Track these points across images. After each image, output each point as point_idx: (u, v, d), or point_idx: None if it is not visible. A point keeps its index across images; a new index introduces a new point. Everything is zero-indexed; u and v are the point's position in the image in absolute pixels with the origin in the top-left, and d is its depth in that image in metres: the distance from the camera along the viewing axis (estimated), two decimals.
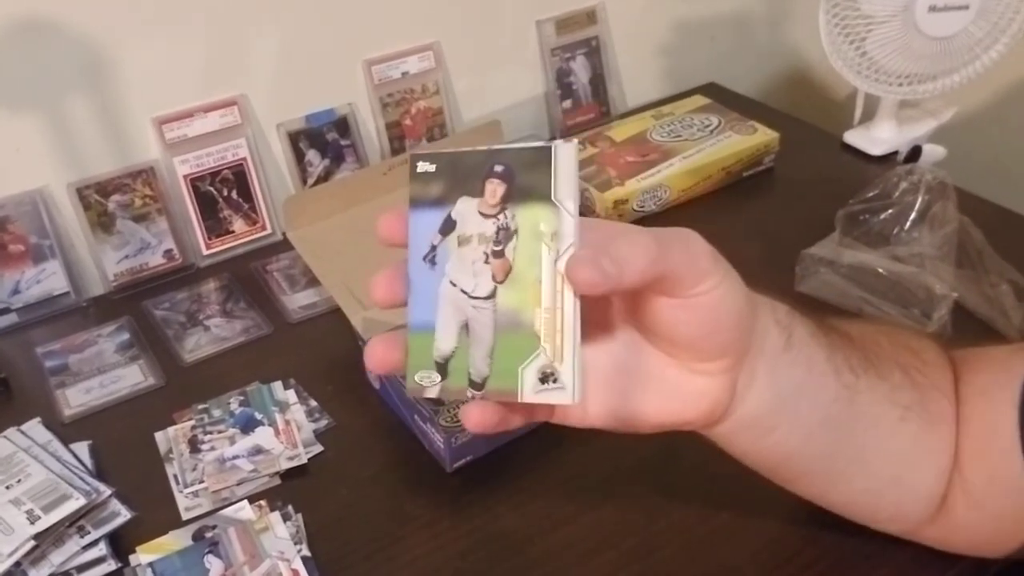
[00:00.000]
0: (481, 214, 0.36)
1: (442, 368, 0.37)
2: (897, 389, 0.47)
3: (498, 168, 0.36)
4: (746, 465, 0.48)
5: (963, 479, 0.49)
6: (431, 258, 0.36)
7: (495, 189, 0.36)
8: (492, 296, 0.36)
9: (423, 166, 0.37)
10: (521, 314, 0.35)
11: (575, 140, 0.37)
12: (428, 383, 0.37)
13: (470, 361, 0.36)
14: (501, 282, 0.36)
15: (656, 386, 0.40)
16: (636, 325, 0.40)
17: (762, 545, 0.61)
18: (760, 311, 0.42)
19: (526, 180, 0.35)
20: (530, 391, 0.35)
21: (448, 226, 0.36)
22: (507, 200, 0.35)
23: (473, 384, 0.36)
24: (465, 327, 0.36)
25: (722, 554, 0.61)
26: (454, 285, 0.36)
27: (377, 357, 0.38)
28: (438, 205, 0.36)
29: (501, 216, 0.35)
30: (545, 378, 0.35)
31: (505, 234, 0.35)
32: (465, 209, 0.36)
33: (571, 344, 0.35)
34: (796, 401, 0.44)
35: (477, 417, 0.37)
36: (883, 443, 0.47)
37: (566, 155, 0.35)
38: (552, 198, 0.35)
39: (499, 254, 0.36)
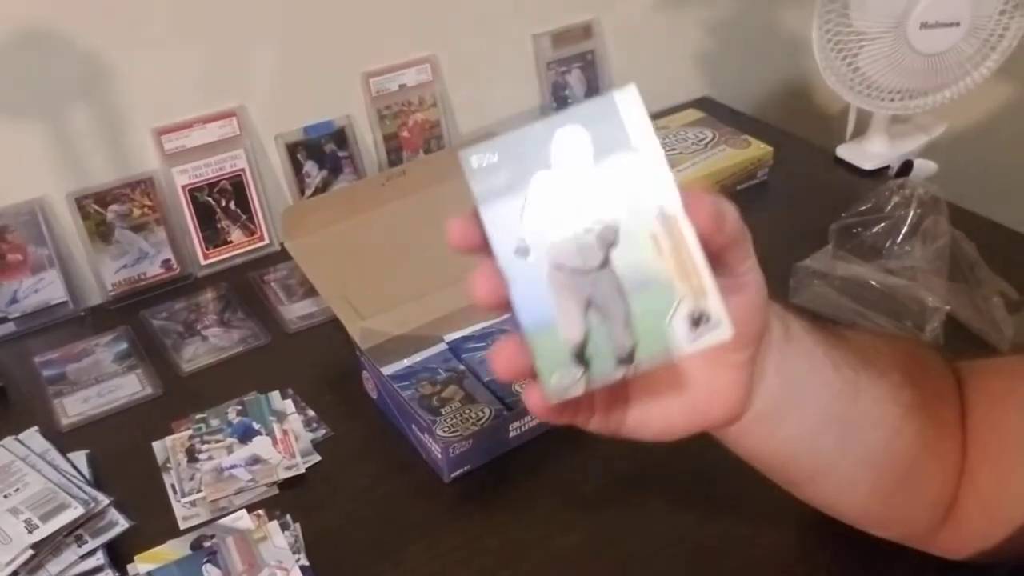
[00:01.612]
0: (563, 184, 0.33)
1: (580, 358, 0.33)
2: (898, 388, 0.47)
3: (566, 131, 0.33)
4: (755, 468, 0.48)
5: (975, 486, 0.49)
6: (523, 249, 0.33)
7: (570, 153, 0.33)
8: (607, 263, 0.33)
9: (479, 159, 0.34)
10: (646, 267, 0.33)
11: (633, 85, 0.34)
12: (570, 380, 0.34)
13: (609, 337, 0.33)
14: (612, 244, 0.33)
15: (689, 387, 0.40)
16: None
17: (763, 553, 0.62)
18: None
19: (599, 135, 0.33)
20: (686, 342, 0.33)
21: (531, 209, 0.34)
22: (587, 159, 0.33)
23: (621, 360, 0.33)
24: (589, 306, 0.33)
25: (722, 562, 0.62)
26: (560, 268, 0.33)
27: (507, 363, 0.34)
28: (511, 193, 0.33)
29: (587, 178, 0.33)
30: (696, 321, 0.33)
31: (598, 196, 0.33)
32: (543, 185, 0.34)
33: (707, 275, 0.33)
34: (802, 393, 0.44)
35: (536, 399, 0.35)
36: (889, 442, 0.47)
37: (630, 99, 0.33)
38: (632, 144, 0.33)
39: (599, 218, 0.33)
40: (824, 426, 0.45)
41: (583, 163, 0.33)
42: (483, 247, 0.34)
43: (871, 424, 0.46)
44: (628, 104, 0.33)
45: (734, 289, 0.36)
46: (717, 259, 0.35)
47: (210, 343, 0.86)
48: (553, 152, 0.33)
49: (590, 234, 0.33)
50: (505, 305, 0.34)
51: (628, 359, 0.33)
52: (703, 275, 0.33)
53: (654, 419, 0.41)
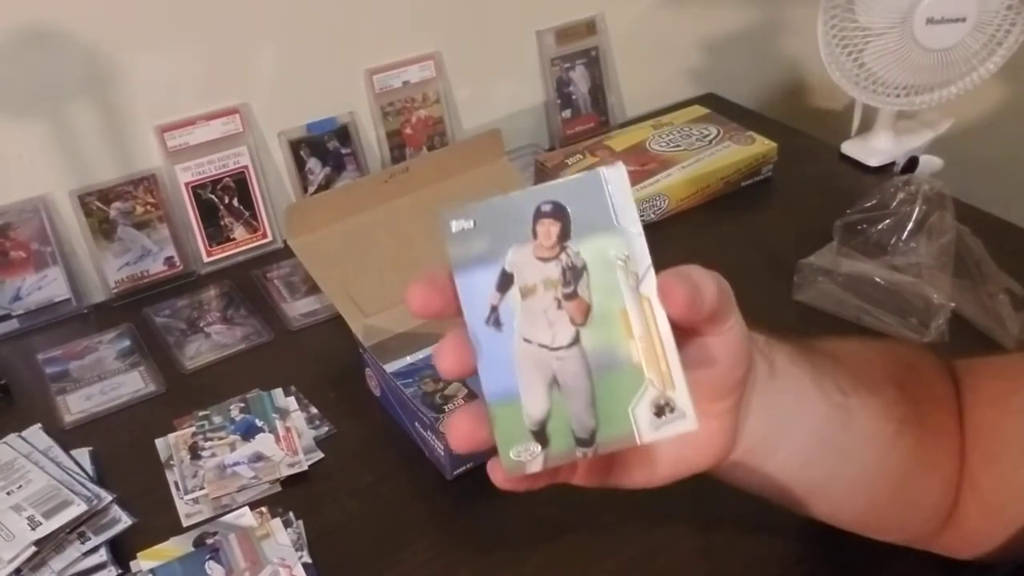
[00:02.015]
0: (539, 259, 0.33)
1: (540, 435, 0.33)
2: (891, 404, 0.47)
3: (546, 207, 0.33)
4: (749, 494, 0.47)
5: (975, 487, 0.49)
6: (494, 320, 0.33)
7: (549, 229, 0.33)
8: (576, 342, 0.33)
9: (458, 224, 0.33)
10: (615, 350, 0.33)
11: (621, 163, 0.34)
12: (528, 456, 0.33)
13: (570, 417, 0.33)
14: (582, 324, 0.33)
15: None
16: None
17: (763, 555, 0.61)
18: None
19: (580, 212, 0.33)
20: (648, 430, 0.32)
21: (505, 281, 0.33)
22: (564, 238, 0.33)
23: (581, 441, 0.33)
24: (553, 383, 0.33)
25: (723, 564, 0.61)
26: (528, 342, 0.33)
27: (463, 435, 0.34)
28: (486, 262, 0.33)
29: (563, 256, 0.33)
30: (660, 410, 0.32)
31: (573, 273, 0.33)
32: (519, 258, 0.33)
33: (677, 367, 0.32)
34: (788, 427, 0.43)
35: (524, 485, 0.34)
36: (882, 459, 0.47)
37: (617, 177, 0.33)
38: (615, 223, 0.33)
39: (572, 295, 0.33)
40: (815, 453, 0.45)
41: (561, 238, 0.33)
42: (442, 312, 0.33)
43: (863, 445, 0.46)
44: (614, 182, 0.33)
45: (713, 345, 0.36)
46: (697, 328, 0.35)
47: (213, 340, 0.86)
48: (533, 224, 0.33)
49: (562, 311, 0.33)
50: (470, 373, 0.33)
51: (588, 441, 0.33)
52: (672, 364, 0.33)
53: (637, 471, 0.41)
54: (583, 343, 0.33)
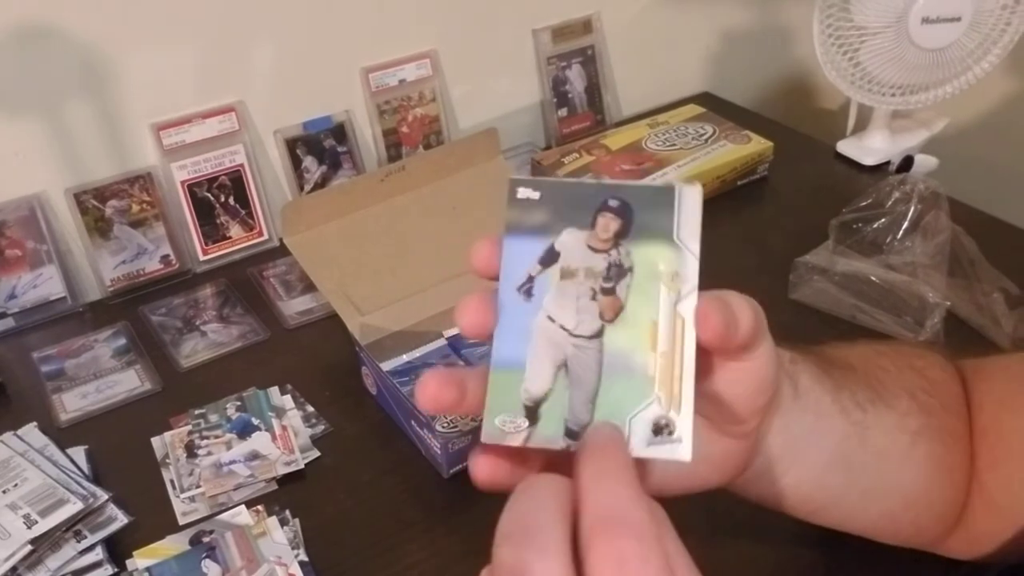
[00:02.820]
0: (590, 248, 0.33)
1: (531, 412, 0.32)
2: (905, 415, 0.47)
3: (613, 203, 0.33)
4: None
5: (982, 489, 0.49)
6: (527, 289, 0.33)
7: (608, 223, 0.33)
8: (598, 336, 0.33)
9: (524, 192, 0.34)
10: (633, 357, 0.32)
11: (699, 184, 0.34)
12: (512, 428, 0.32)
13: (568, 406, 0.32)
14: (610, 321, 0.33)
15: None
16: None
17: (758, 555, 0.61)
18: None
19: (645, 218, 0.33)
20: (640, 444, 0.32)
21: (550, 257, 0.33)
22: (621, 236, 0.33)
23: (570, 432, 0.32)
24: (562, 368, 0.33)
25: (720, 565, 0.61)
26: (552, 321, 0.33)
27: (429, 393, 0.33)
28: (539, 234, 0.33)
29: (613, 252, 0.33)
30: (659, 430, 0.32)
31: (617, 271, 0.33)
32: (571, 241, 0.33)
33: (689, 394, 0.32)
34: (805, 446, 0.43)
35: (487, 470, 0.33)
36: (896, 471, 0.47)
37: (692, 196, 0.33)
38: (675, 238, 0.33)
39: (609, 291, 0.33)
40: (830, 469, 0.45)
41: (617, 236, 0.33)
42: (497, 275, 0.33)
43: (878, 459, 0.46)
44: (688, 201, 0.33)
45: (739, 369, 0.36)
46: (727, 354, 0.35)
47: (209, 339, 0.86)
48: (595, 214, 0.33)
49: (594, 303, 0.33)
50: (486, 336, 0.33)
51: (577, 435, 0.32)
52: (686, 389, 0.32)
53: (647, 482, 0.40)
54: (604, 339, 0.33)
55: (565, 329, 0.33)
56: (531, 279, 0.33)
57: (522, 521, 0.29)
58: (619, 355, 0.32)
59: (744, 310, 0.33)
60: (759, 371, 0.36)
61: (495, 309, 0.33)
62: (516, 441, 0.32)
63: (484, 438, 0.32)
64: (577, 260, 0.33)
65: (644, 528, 0.28)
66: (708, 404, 0.37)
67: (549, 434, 0.32)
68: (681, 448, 0.32)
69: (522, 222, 0.33)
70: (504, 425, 0.32)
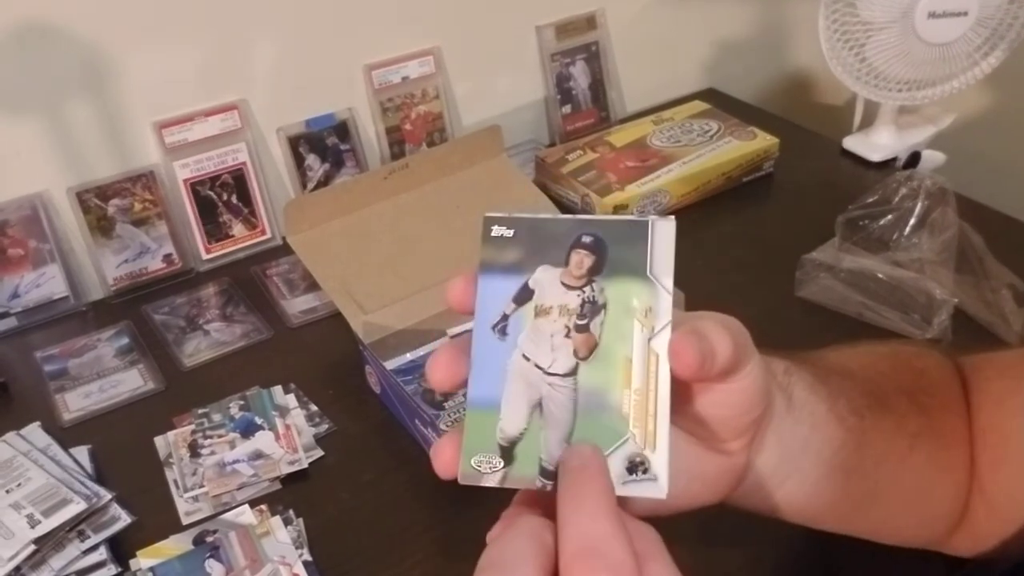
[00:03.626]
0: (564, 285, 0.33)
1: (507, 452, 0.32)
2: (904, 419, 0.46)
3: (587, 239, 0.33)
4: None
5: (982, 489, 0.48)
6: (501, 328, 0.33)
7: (582, 260, 0.33)
8: (572, 373, 0.32)
9: (498, 230, 0.34)
10: (607, 395, 0.32)
11: (673, 217, 0.33)
12: (488, 469, 0.32)
13: (542, 446, 0.32)
14: (584, 359, 0.32)
15: (680, 470, 0.37)
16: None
17: (755, 556, 0.61)
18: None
19: (618, 253, 0.33)
20: (616, 482, 0.31)
21: (524, 295, 0.33)
22: (595, 272, 0.33)
23: (545, 473, 0.32)
24: (537, 407, 0.32)
25: (723, 562, 0.61)
26: (527, 359, 0.33)
27: (443, 460, 0.33)
28: (513, 272, 0.33)
29: (587, 288, 0.33)
30: (634, 468, 0.31)
31: (591, 308, 0.33)
32: (545, 278, 0.33)
33: (664, 430, 0.32)
34: (801, 457, 0.43)
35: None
36: (895, 475, 0.46)
37: (665, 231, 0.33)
38: (648, 273, 0.33)
39: (583, 328, 0.33)
40: (827, 477, 0.44)
41: (591, 272, 0.33)
42: (468, 309, 0.34)
43: (876, 464, 0.45)
44: (661, 235, 0.33)
45: (724, 390, 0.35)
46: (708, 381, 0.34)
47: (212, 338, 0.86)
48: (569, 251, 0.33)
49: (568, 340, 0.33)
50: (459, 387, 0.33)
51: (552, 474, 0.32)
52: (660, 426, 0.32)
53: (640, 505, 0.40)
54: (579, 377, 0.33)
55: (540, 368, 0.33)
56: (505, 317, 0.33)
57: (499, 557, 0.29)
58: (594, 393, 0.32)
59: (721, 340, 0.33)
60: (745, 392, 0.36)
61: (467, 356, 0.33)
62: (492, 481, 0.32)
63: (461, 479, 0.32)
64: (551, 297, 0.33)
65: (621, 562, 0.28)
66: (696, 424, 0.37)
67: (525, 474, 0.32)
68: (656, 486, 0.31)
69: (496, 260, 0.34)
70: (480, 465, 0.32)
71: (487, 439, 0.32)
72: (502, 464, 0.32)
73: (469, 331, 0.34)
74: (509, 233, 0.34)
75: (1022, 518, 0.47)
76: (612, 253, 0.33)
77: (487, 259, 0.34)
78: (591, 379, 0.32)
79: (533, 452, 0.32)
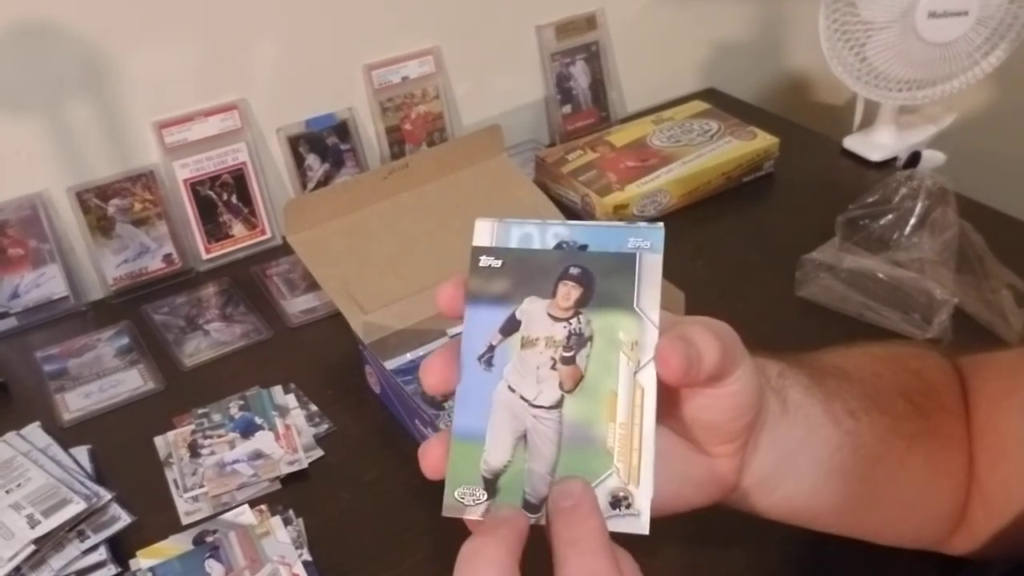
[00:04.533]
0: (551, 316, 0.33)
1: (490, 485, 0.32)
2: (901, 420, 0.46)
3: (574, 271, 0.33)
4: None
5: (980, 489, 0.48)
6: (487, 359, 0.33)
7: (569, 292, 0.33)
8: (558, 406, 0.32)
9: (486, 260, 0.34)
10: (592, 428, 0.32)
11: (660, 255, 0.33)
12: (471, 501, 0.32)
13: (526, 478, 0.32)
14: (570, 391, 0.32)
15: (672, 473, 0.38)
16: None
17: (753, 559, 0.61)
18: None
19: (606, 285, 0.33)
20: None
21: (511, 326, 0.33)
22: (582, 304, 0.33)
23: (528, 506, 0.32)
24: (522, 439, 0.32)
25: (724, 560, 0.61)
26: (512, 391, 0.33)
27: (432, 460, 0.33)
28: (500, 303, 0.33)
29: (574, 320, 0.33)
30: (617, 503, 0.31)
31: (578, 340, 0.33)
32: (532, 309, 0.33)
33: (648, 466, 0.32)
34: (797, 460, 0.43)
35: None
36: (893, 477, 0.46)
37: (652, 264, 0.33)
38: (635, 306, 0.33)
39: (569, 360, 0.33)
40: (824, 479, 0.44)
41: (578, 304, 0.33)
42: (458, 315, 0.34)
43: (874, 466, 0.45)
44: (648, 268, 0.33)
45: (714, 395, 0.36)
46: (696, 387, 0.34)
47: (212, 338, 0.86)
48: (556, 282, 0.33)
49: (554, 372, 0.33)
50: (451, 391, 0.33)
51: (536, 508, 0.32)
52: (644, 461, 0.32)
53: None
54: (564, 410, 0.32)
55: (525, 400, 0.33)
56: (492, 348, 0.33)
57: (470, 560, 0.30)
58: (578, 426, 0.32)
59: (709, 346, 0.33)
60: (735, 396, 0.36)
61: (457, 366, 0.33)
62: (475, 514, 0.32)
63: (444, 511, 0.32)
64: (538, 329, 0.33)
65: None
66: (686, 428, 0.37)
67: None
68: (638, 522, 0.31)
69: (484, 290, 0.34)
70: (463, 497, 0.32)
71: (471, 471, 0.32)
72: (485, 496, 0.32)
73: (459, 337, 0.34)
74: (497, 264, 0.34)
75: (1020, 518, 0.47)
76: (599, 285, 0.33)
77: (474, 289, 0.34)
78: (576, 412, 0.32)
79: (517, 485, 0.32)
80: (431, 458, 0.33)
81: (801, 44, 1.36)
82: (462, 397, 0.33)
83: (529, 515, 0.32)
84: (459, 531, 0.66)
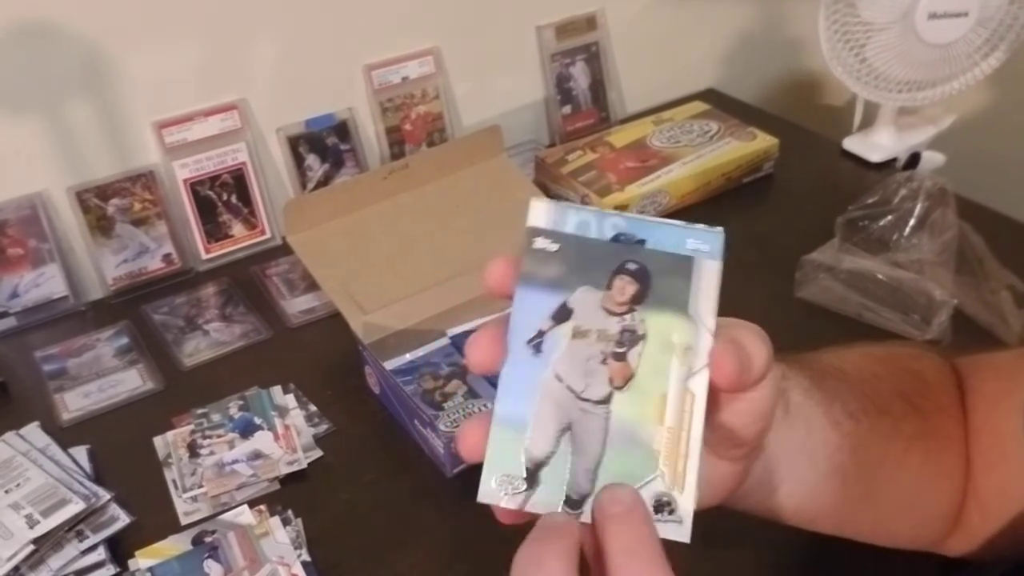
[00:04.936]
0: (605, 309, 0.32)
1: (532, 475, 0.31)
2: (900, 421, 0.46)
3: (631, 266, 0.32)
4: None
5: (977, 490, 0.48)
6: (536, 344, 0.32)
7: (625, 287, 0.32)
8: (606, 402, 0.32)
9: (542, 242, 0.33)
10: (640, 429, 0.31)
11: (720, 261, 0.33)
12: (510, 490, 0.31)
13: (569, 472, 0.31)
14: (619, 388, 0.32)
15: None
16: None
17: (761, 554, 0.61)
18: None
19: (662, 285, 0.32)
20: None
21: (563, 314, 0.32)
22: (636, 301, 0.32)
23: (570, 501, 0.31)
24: (567, 431, 0.31)
25: (724, 560, 0.61)
26: (560, 380, 0.32)
27: (471, 442, 0.32)
28: (554, 288, 0.32)
29: (628, 317, 0.32)
30: (660, 507, 0.31)
31: (631, 337, 0.32)
32: (586, 300, 0.32)
33: (694, 472, 0.31)
34: (796, 462, 0.43)
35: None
36: (890, 478, 0.46)
37: (710, 270, 0.32)
38: (690, 311, 0.32)
39: (621, 357, 0.32)
40: (823, 481, 0.44)
41: (633, 301, 0.32)
42: (510, 295, 0.33)
43: (872, 467, 0.45)
44: (706, 274, 0.33)
45: (739, 399, 0.35)
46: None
47: (211, 338, 0.86)
48: (612, 275, 0.32)
49: (604, 367, 0.32)
50: (495, 371, 0.32)
51: (578, 503, 0.31)
52: (691, 468, 0.31)
53: None
54: (613, 407, 0.32)
55: (573, 391, 0.32)
56: (541, 334, 0.32)
57: (532, 571, 0.29)
58: (626, 425, 0.32)
59: (759, 350, 0.33)
60: (764, 400, 0.36)
61: (504, 345, 0.32)
62: (513, 504, 0.31)
63: (481, 497, 0.31)
64: (590, 321, 0.32)
65: None
66: (711, 432, 0.37)
67: (548, 500, 0.31)
68: (681, 529, 0.31)
69: (537, 273, 0.33)
70: (502, 486, 0.31)
71: (513, 459, 0.31)
72: (525, 487, 0.31)
73: (507, 313, 0.33)
74: (553, 248, 0.33)
75: (1016, 519, 0.47)
76: (656, 285, 0.32)
77: (528, 271, 0.33)
78: (624, 410, 0.32)
79: (559, 478, 0.31)
80: (470, 440, 0.32)
81: (801, 45, 1.36)
82: (506, 381, 0.32)
83: (570, 511, 0.31)
84: (457, 532, 0.66)
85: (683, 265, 0.33)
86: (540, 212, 0.33)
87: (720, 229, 0.33)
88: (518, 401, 0.32)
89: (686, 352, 0.32)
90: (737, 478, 0.40)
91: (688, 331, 0.32)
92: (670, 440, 0.31)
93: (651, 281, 0.32)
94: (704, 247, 0.33)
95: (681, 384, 0.32)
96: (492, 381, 0.73)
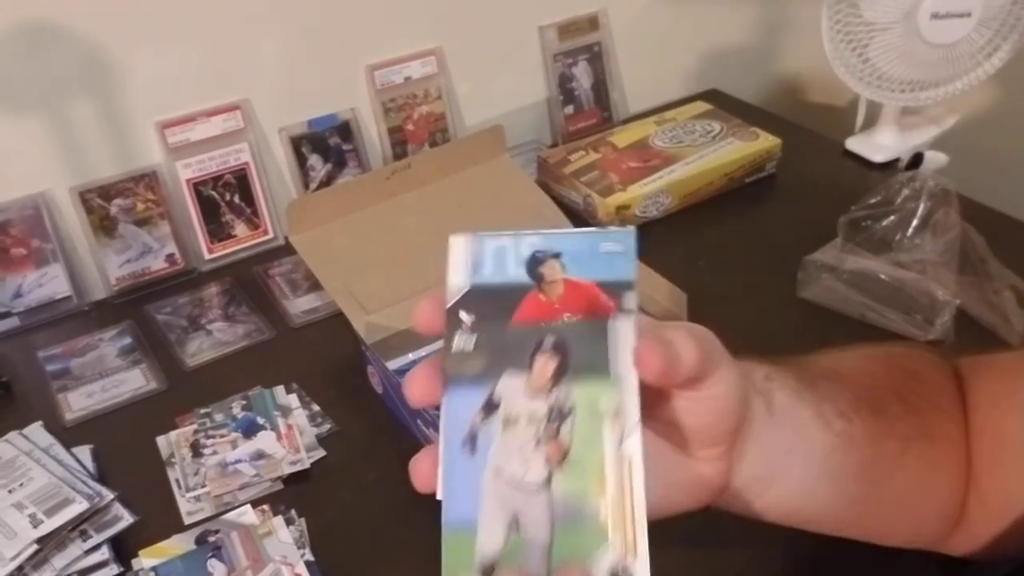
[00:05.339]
0: (531, 391, 0.33)
1: (487, 572, 0.31)
2: (896, 421, 0.46)
3: (548, 342, 0.33)
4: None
5: (978, 490, 0.48)
6: (471, 443, 0.32)
7: (546, 363, 0.33)
8: (547, 484, 0.32)
9: (460, 340, 0.33)
10: (584, 503, 0.31)
11: (633, 315, 0.33)
12: None
13: (523, 562, 0.31)
14: (558, 466, 0.32)
15: (658, 478, 0.37)
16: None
17: (760, 554, 0.61)
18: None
19: (580, 353, 0.32)
20: None
21: (491, 406, 0.33)
22: (559, 375, 0.32)
23: None
24: (514, 523, 0.32)
25: (724, 560, 0.61)
26: (500, 473, 0.32)
27: (422, 474, 0.33)
28: (479, 382, 0.33)
29: (553, 393, 0.32)
30: None
31: (559, 414, 0.32)
32: (511, 386, 0.33)
33: (644, 535, 0.31)
34: (786, 463, 0.43)
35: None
36: (888, 478, 0.46)
37: (625, 328, 0.33)
38: (611, 371, 0.32)
39: (553, 436, 0.32)
40: (817, 482, 0.44)
41: (556, 376, 0.32)
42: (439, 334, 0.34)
43: (867, 468, 0.45)
44: (623, 331, 0.33)
45: (695, 399, 0.36)
46: (675, 389, 0.35)
47: (214, 337, 0.86)
48: (532, 355, 0.33)
49: (539, 451, 0.32)
50: (434, 405, 0.33)
51: None
52: (639, 530, 0.31)
53: None
54: (553, 487, 0.32)
55: (513, 481, 0.32)
56: (474, 432, 0.32)
57: None
58: (570, 502, 0.32)
59: (687, 347, 0.33)
60: (718, 400, 0.36)
61: (439, 380, 0.33)
62: None
63: None
64: (518, 407, 0.32)
65: None
66: (671, 432, 0.37)
67: None
68: None
69: (460, 371, 0.33)
70: None
71: (465, 563, 0.31)
72: None
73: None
74: (470, 346, 0.33)
75: (1019, 518, 0.47)
76: (575, 352, 0.33)
77: (451, 371, 0.33)
78: (566, 487, 0.32)
79: (514, 570, 0.31)
80: (421, 472, 0.33)
81: (803, 45, 1.36)
82: (448, 485, 0.32)
83: None
84: None
85: (598, 329, 0.33)
86: (459, 247, 0.34)
87: (632, 228, 0.33)
88: (463, 503, 0.32)
89: (616, 416, 0.32)
90: (720, 478, 0.40)
91: (613, 394, 0.32)
92: (615, 508, 0.31)
93: (570, 350, 0.33)
94: (618, 248, 0.33)
95: (615, 449, 0.32)
96: None
